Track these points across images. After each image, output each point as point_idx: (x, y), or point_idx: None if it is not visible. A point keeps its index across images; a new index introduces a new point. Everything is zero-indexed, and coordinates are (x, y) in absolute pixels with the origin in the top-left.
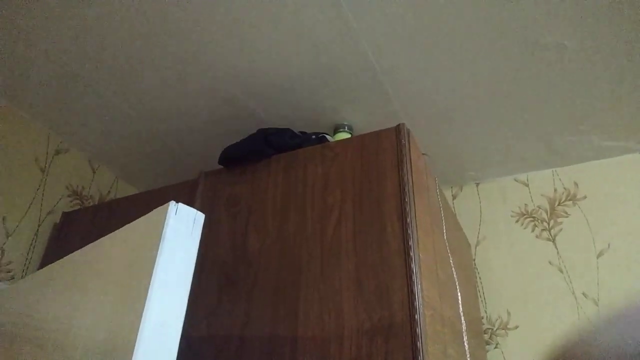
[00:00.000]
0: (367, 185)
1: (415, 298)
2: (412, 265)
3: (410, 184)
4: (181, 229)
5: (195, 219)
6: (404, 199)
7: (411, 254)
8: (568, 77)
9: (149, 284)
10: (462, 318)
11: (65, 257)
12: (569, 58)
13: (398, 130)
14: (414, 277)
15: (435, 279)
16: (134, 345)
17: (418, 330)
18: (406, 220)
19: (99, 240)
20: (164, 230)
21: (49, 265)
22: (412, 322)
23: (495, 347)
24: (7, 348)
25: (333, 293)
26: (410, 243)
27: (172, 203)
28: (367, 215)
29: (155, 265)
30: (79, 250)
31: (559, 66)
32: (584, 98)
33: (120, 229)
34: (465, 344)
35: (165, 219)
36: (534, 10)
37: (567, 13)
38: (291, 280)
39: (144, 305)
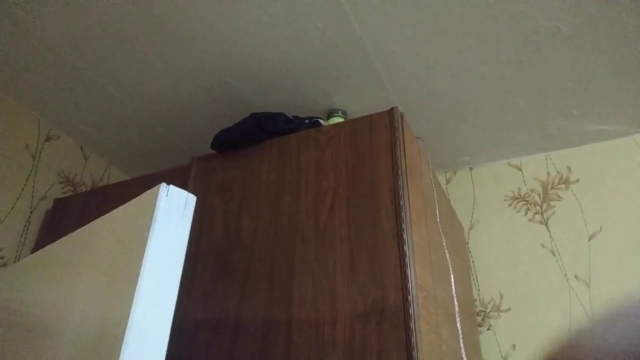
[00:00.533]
0: (360, 169)
1: (408, 280)
2: (405, 248)
3: (404, 167)
4: (172, 211)
5: (186, 201)
6: (397, 182)
7: (404, 236)
8: (561, 61)
9: (140, 268)
10: (455, 300)
11: (54, 243)
12: (563, 42)
13: (391, 113)
14: (407, 260)
15: (428, 261)
16: (126, 328)
17: (411, 311)
18: (399, 204)
19: (89, 225)
20: (155, 213)
21: (39, 251)
22: (405, 303)
23: (488, 329)
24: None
25: (327, 276)
26: (404, 226)
27: (163, 185)
28: (361, 199)
29: (147, 248)
30: (68, 235)
31: (552, 50)
32: (576, 82)
33: (111, 212)
34: (458, 325)
35: (156, 201)
36: None
37: None
38: (285, 264)
39: (135, 288)
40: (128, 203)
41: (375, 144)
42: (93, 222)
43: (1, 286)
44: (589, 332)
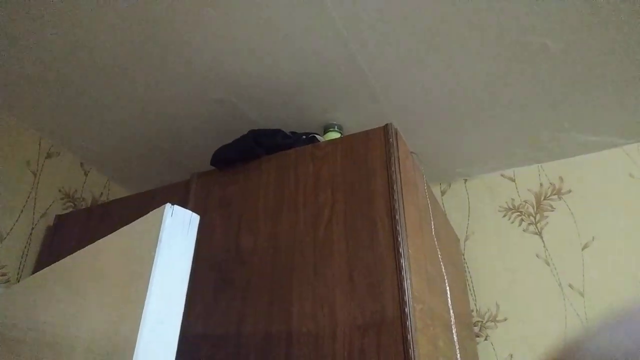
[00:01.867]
0: (357, 184)
1: (405, 293)
2: (402, 261)
3: (399, 182)
4: (177, 230)
5: (190, 221)
6: (393, 196)
7: (401, 250)
8: (552, 75)
9: (147, 285)
10: (451, 311)
11: (60, 261)
12: (551, 58)
13: (386, 130)
14: (403, 273)
15: (425, 273)
16: (135, 345)
17: (408, 323)
18: (395, 218)
19: (95, 243)
20: (160, 233)
21: (45, 268)
22: (402, 316)
23: (485, 339)
24: (5, 351)
25: (326, 290)
26: (400, 240)
27: (168, 205)
28: (358, 214)
29: (153, 267)
30: (74, 254)
31: (541, 65)
32: (568, 95)
33: (117, 231)
34: (454, 336)
35: (161, 221)
36: (516, 10)
37: (548, 13)
38: (285, 279)
39: (143, 305)
40: (133, 223)
41: (371, 159)
42: (98, 241)
43: (8, 304)
44: (593, 334)
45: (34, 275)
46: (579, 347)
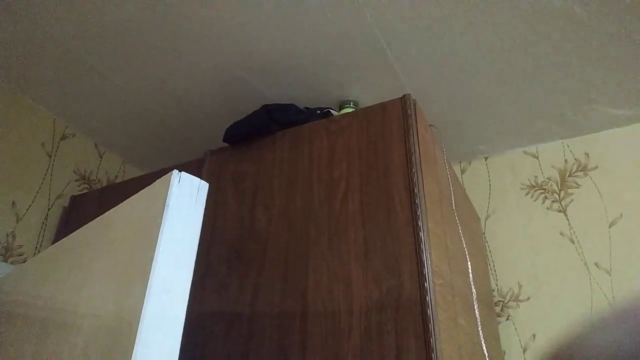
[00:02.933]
0: (373, 157)
1: (424, 266)
2: (421, 235)
3: (418, 154)
4: (185, 196)
5: (199, 187)
6: (411, 169)
7: (419, 223)
8: (578, 45)
9: (154, 253)
10: (473, 287)
11: (69, 235)
12: (578, 24)
13: (404, 101)
14: (422, 246)
15: (445, 249)
16: (141, 312)
17: (428, 298)
18: (414, 191)
19: (102, 216)
20: (167, 199)
21: (54, 244)
22: (421, 290)
23: (507, 319)
24: (16, 328)
25: (341, 264)
26: (419, 213)
27: (175, 172)
28: (374, 187)
29: (160, 233)
30: (83, 227)
31: (568, 34)
32: (594, 66)
33: (124, 202)
34: (477, 312)
35: (168, 188)
36: None
37: None
38: (299, 254)
39: (149, 273)
40: (141, 191)
41: (388, 131)
42: (105, 213)
43: (18, 281)
44: (595, 330)
45: (42, 252)
46: (579, 343)
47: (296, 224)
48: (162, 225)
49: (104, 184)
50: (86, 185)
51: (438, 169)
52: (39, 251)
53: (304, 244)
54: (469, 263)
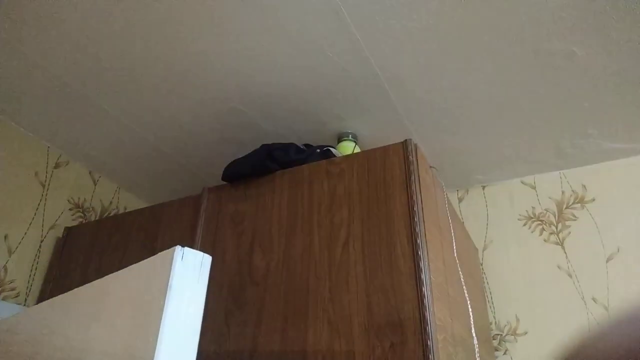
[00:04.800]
0: (375, 204)
1: (427, 323)
2: (424, 289)
3: (420, 203)
4: (188, 275)
5: (202, 263)
6: (413, 218)
7: (422, 276)
8: (576, 81)
9: (156, 339)
10: (475, 338)
11: (63, 295)
12: (578, 64)
13: (405, 146)
14: (425, 302)
15: (446, 298)
16: None
17: (431, 356)
18: (416, 242)
19: (100, 281)
20: (170, 279)
21: (58, 296)
22: (424, 348)
23: (504, 354)
24: None
25: (343, 318)
26: (421, 265)
27: (178, 248)
28: (376, 236)
29: (163, 318)
30: (77, 289)
31: (567, 71)
32: (592, 101)
33: (123, 270)
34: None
35: (171, 265)
36: (542, 17)
37: (575, 19)
38: (299, 303)
39: (153, 357)
40: (142, 263)
41: (389, 178)
42: (104, 278)
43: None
44: (604, 335)
45: (40, 304)
46: (584, 347)
47: (296, 272)
48: (164, 309)
49: (98, 212)
50: (80, 214)
51: (439, 212)
52: (31, 285)
53: (304, 294)
54: (471, 314)
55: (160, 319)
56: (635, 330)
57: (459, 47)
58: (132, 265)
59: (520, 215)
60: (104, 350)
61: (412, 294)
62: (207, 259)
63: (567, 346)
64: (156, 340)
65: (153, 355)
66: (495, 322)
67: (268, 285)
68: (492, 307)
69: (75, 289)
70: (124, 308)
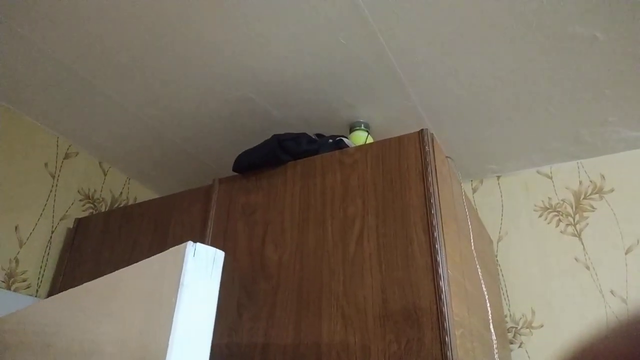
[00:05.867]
0: (390, 195)
1: (445, 319)
2: (441, 284)
3: (436, 194)
4: (200, 271)
5: (214, 259)
6: (430, 211)
7: (440, 271)
8: (597, 67)
9: (168, 338)
10: (493, 335)
11: (73, 289)
12: (599, 49)
13: (421, 135)
14: (443, 297)
15: (464, 293)
16: None
17: (449, 353)
18: (433, 235)
19: (110, 276)
20: (182, 276)
21: (68, 290)
22: (442, 345)
23: (520, 347)
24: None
25: (357, 312)
26: (439, 259)
27: (190, 244)
28: (391, 228)
29: (175, 315)
30: (87, 284)
31: (588, 57)
32: (612, 88)
33: (133, 266)
34: (496, 356)
35: (183, 261)
36: (563, 0)
37: (597, 2)
38: (313, 297)
39: (165, 357)
40: (152, 259)
41: (405, 168)
42: (114, 274)
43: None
44: (616, 334)
45: (52, 297)
46: (592, 347)
47: (309, 265)
48: (176, 306)
49: (108, 203)
50: (90, 205)
51: (455, 203)
52: (42, 276)
53: (318, 288)
54: (489, 309)
55: (173, 316)
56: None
57: (476, 31)
58: (143, 261)
59: (536, 206)
60: (116, 345)
61: (429, 288)
62: (220, 254)
63: (575, 345)
64: (169, 338)
65: (166, 352)
66: (510, 315)
67: (281, 279)
68: (507, 300)
69: (87, 283)
70: (135, 303)
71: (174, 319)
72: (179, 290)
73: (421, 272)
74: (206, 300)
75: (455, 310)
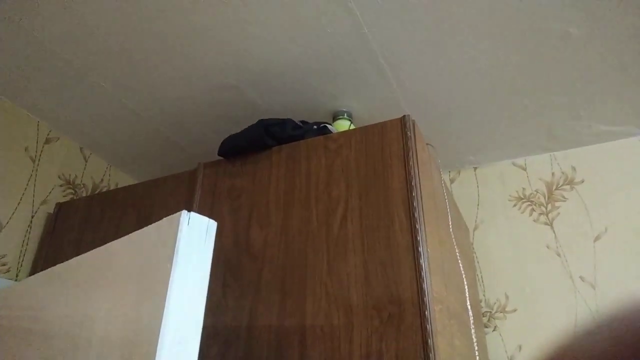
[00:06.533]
0: (372, 179)
1: (425, 294)
2: (421, 262)
3: (417, 178)
4: (194, 240)
5: (207, 228)
6: (411, 193)
7: (420, 249)
8: (570, 63)
9: (164, 303)
10: (470, 311)
11: (65, 262)
12: (572, 45)
13: (403, 121)
14: (423, 274)
15: (442, 272)
16: None
17: (428, 327)
18: (414, 216)
19: (103, 247)
20: (176, 244)
21: (56, 266)
22: (422, 318)
23: (494, 330)
24: (15, 343)
25: (341, 289)
26: (419, 239)
27: (184, 213)
28: (374, 210)
29: (170, 283)
30: (80, 257)
31: (561, 52)
32: (585, 83)
33: (127, 236)
34: (473, 336)
35: (177, 230)
36: None
37: (575, 0)
38: (297, 276)
39: (159, 326)
40: (146, 229)
41: (387, 153)
42: (108, 245)
43: (17, 297)
44: (591, 334)
45: (39, 274)
46: (569, 347)
47: (293, 245)
48: (171, 273)
49: (89, 189)
50: (71, 191)
51: (434, 188)
52: (23, 260)
53: (302, 266)
54: (466, 288)
55: (168, 284)
56: (621, 330)
57: (455, 26)
58: (136, 232)
59: (510, 196)
60: (107, 318)
61: (410, 265)
62: (213, 224)
63: (553, 345)
64: (164, 306)
65: (161, 320)
66: (485, 300)
67: (266, 259)
68: (482, 285)
69: (74, 259)
70: (128, 274)
71: (169, 286)
72: (174, 258)
73: (402, 251)
74: (200, 268)
75: (434, 287)
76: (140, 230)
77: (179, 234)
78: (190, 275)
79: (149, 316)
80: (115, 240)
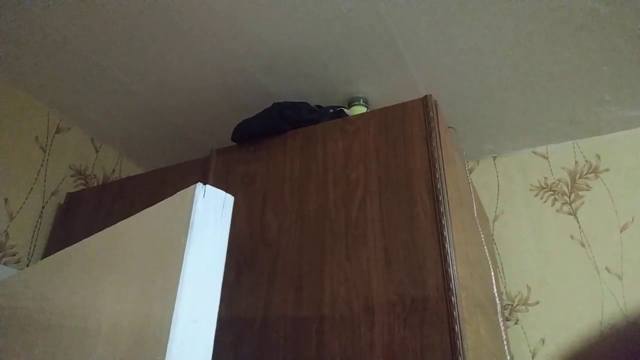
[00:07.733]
0: (393, 161)
1: (450, 279)
2: (447, 246)
3: (441, 159)
4: (210, 213)
5: (224, 202)
6: (435, 175)
7: (445, 233)
8: (597, 43)
9: (179, 279)
10: (497, 298)
11: (76, 244)
12: (600, 24)
13: (425, 102)
14: (448, 259)
15: (466, 258)
16: (167, 342)
17: (455, 313)
18: (438, 198)
19: (115, 226)
20: (191, 216)
21: (58, 252)
22: (448, 304)
23: (516, 323)
24: (20, 334)
25: (360, 274)
26: (444, 222)
27: (199, 185)
28: (395, 193)
29: (184, 258)
30: (91, 237)
31: (589, 32)
32: (611, 66)
33: (140, 213)
34: (501, 324)
35: (192, 202)
36: None
37: None
38: (314, 262)
39: (174, 301)
40: (160, 203)
41: (409, 134)
42: (119, 223)
43: (22, 286)
44: (619, 330)
45: (46, 259)
46: (599, 342)
47: (310, 231)
48: (186, 249)
49: (100, 180)
50: (82, 181)
51: (457, 172)
52: (33, 251)
53: (319, 252)
54: (492, 274)
55: (182, 258)
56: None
57: (476, 5)
58: (148, 208)
59: (532, 185)
60: (118, 297)
61: (434, 250)
62: (230, 199)
63: (579, 340)
64: (178, 282)
65: (175, 296)
66: (506, 293)
67: (281, 245)
68: (502, 277)
69: (83, 240)
70: (140, 251)
71: (184, 261)
72: (189, 231)
73: (426, 234)
74: (216, 243)
75: (460, 272)
76: (152, 207)
77: (193, 206)
78: (206, 250)
79: (162, 293)
80: (126, 219)
